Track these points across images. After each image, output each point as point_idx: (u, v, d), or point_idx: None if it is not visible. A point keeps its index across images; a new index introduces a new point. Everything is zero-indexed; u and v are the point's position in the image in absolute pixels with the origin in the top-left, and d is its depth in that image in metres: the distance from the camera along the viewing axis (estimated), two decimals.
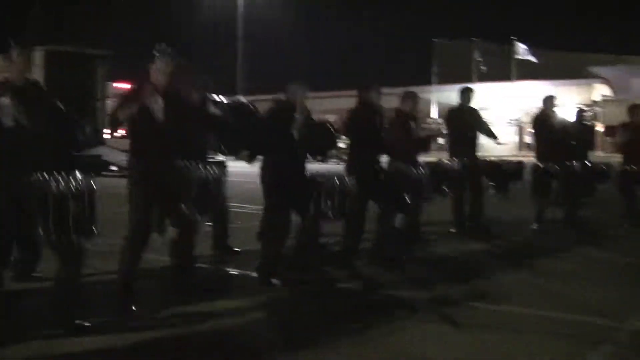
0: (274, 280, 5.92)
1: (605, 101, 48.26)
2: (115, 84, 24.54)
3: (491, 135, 9.61)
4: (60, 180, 4.27)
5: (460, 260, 7.48)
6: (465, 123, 9.07)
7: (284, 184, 5.93)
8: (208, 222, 7.15)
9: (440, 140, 10.88)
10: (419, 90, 10.35)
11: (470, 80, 40.84)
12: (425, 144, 8.27)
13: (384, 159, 7.61)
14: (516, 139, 50.10)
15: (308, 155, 6.45)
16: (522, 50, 48.61)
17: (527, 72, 48.03)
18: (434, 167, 8.32)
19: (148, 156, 5.17)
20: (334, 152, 7.01)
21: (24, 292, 5.49)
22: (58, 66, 18.39)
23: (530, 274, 6.68)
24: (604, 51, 56.08)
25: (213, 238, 7.30)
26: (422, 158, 8.11)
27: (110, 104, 19.85)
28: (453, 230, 8.99)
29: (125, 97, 5.22)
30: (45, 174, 4.27)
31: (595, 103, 47.83)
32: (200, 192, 5.72)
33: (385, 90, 7.34)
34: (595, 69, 52.44)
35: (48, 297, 4.67)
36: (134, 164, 5.23)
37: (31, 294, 5.47)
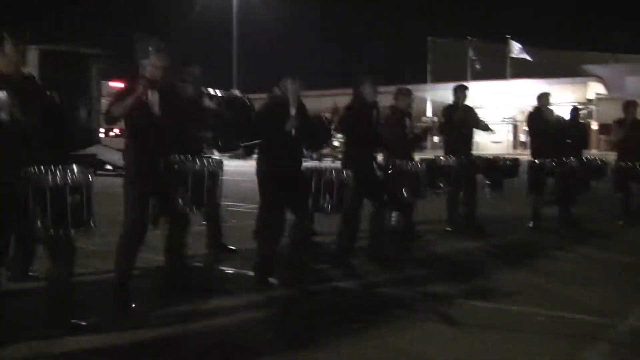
0: (271, 279, 5.88)
1: (600, 99, 48.41)
2: (111, 83, 24.49)
3: (487, 129, 9.62)
4: (57, 173, 4.22)
5: (458, 259, 7.45)
6: (461, 120, 9.05)
7: (279, 179, 5.88)
8: (202, 221, 7.12)
9: (435, 139, 10.90)
10: (414, 88, 10.29)
11: (465, 79, 40.73)
12: (420, 140, 8.24)
13: (380, 156, 7.58)
14: (510, 137, 50.25)
15: (304, 151, 6.40)
16: (516, 49, 48.57)
17: (522, 70, 48.02)
18: (430, 163, 8.31)
19: (145, 151, 5.13)
20: (328, 150, 6.98)
21: (20, 292, 5.44)
22: (52, 65, 18.29)
23: (529, 273, 6.65)
24: (599, 49, 56.23)
25: (207, 237, 7.26)
26: (418, 155, 8.09)
27: (105, 102, 19.83)
28: (449, 228, 8.97)
29: (119, 93, 5.18)
30: (42, 168, 4.22)
31: (589, 101, 48.00)
32: (196, 186, 5.68)
33: (380, 88, 7.24)
34: (589, 68, 52.56)
35: (44, 296, 4.62)
36: (131, 161, 5.19)
37: (27, 294, 5.41)
